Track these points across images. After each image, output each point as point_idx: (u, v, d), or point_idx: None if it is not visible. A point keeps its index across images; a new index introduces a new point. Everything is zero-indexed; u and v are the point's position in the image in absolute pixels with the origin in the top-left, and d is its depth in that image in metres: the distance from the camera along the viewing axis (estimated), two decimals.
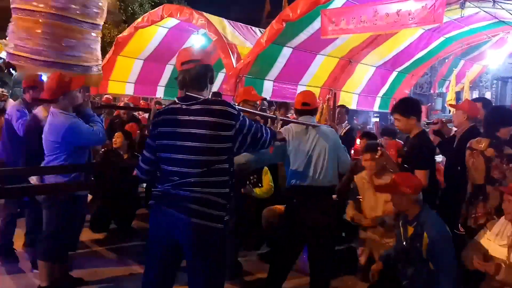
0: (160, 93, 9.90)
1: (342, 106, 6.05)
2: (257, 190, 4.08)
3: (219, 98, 2.48)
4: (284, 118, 3.36)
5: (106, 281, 3.53)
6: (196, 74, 2.20)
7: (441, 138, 4.10)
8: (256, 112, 3.20)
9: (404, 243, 2.83)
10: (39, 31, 3.65)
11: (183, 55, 2.25)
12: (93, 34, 3.96)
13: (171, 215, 2.14)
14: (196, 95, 2.18)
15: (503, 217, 2.66)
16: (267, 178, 4.14)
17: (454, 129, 4.15)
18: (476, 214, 3.14)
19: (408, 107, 3.31)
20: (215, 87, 9.46)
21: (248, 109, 3.11)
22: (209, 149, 2.11)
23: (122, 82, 9.31)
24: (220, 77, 8.96)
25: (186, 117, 2.14)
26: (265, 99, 4.24)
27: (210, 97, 2.29)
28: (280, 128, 2.83)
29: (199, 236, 2.11)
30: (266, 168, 4.19)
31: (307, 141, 2.99)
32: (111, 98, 8.65)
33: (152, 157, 2.27)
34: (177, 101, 2.24)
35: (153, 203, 2.25)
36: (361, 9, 5.10)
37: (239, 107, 2.50)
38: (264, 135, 2.34)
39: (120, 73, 9.03)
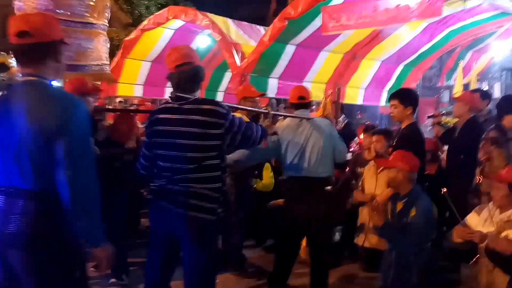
0: (168, 94, 10.02)
1: (335, 102, 6.10)
2: (257, 181, 4.21)
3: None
4: (277, 113, 3.48)
5: None
6: (191, 76, 2.32)
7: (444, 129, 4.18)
8: (248, 108, 3.34)
9: (391, 218, 2.95)
10: None
11: (175, 56, 2.36)
12: (83, 33, 4.07)
13: (167, 209, 2.27)
14: (188, 95, 2.28)
15: (491, 202, 2.72)
16: (267, 173, 4.26)
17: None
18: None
19: (408, 96, 3.41)
20: (222, 87, 9.60)
21: (241, 107, 3.24)
22: (199, 146, 2.23)
23: (131, 84, 9.46)
24: (227, 76, 9.05)
25: (178, 116, 2.27)
26: (263, 94, 4.37)
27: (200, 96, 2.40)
28: (271, 123, 2.94)
29: (193, 227, 2.23)
30: (267, 164, 4.30)
31: (301, 134, 3.09)
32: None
33: (149, 154, 2.40)
34: (169, 101, 2.36)
35: (151, 198, 2.38)
36: (361, 5, 5.13)
37: (231, 105, 2.61)
38: (255, 132, 2.45)
39: (129, 75, 9.18)
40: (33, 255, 1.69)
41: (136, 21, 15.09)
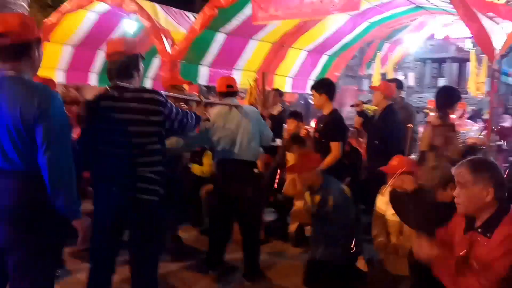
0: (93, 80, 9.61)
1: (276, 90, 6.35)
2: (195, 166, 4.30)
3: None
4: (208, 101, 3.61)
5: None
6: (121, 65, 2.35)
7: (363, 118, 4.53)
8: (182, 96, 3.42)
9: (313, 209, 3.24)
10: None
11: (109, 46, 2.38)
12: None
13: (111, 192, 2.31)
14: (127, 85, 2.32)
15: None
16: (207, 160, 4.38)
17: None
18: None
19: (320, 85, 3.74)
20: (151, 73, 9.39)
21: (174, 94, 3.31)
22: (141, 132, 2.31)
23: (51, 69, 8.92)
24: (155, 63, 8.88)
25: (120, 104, 2.30)
26: (191, 83, 4.48)
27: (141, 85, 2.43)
28: (204, 110, 3.05)
29: (137, 208, 2.32)
30: (209, 152, 4.42)
31: (231, 120, 3.25)
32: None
33: (87, 141, 2.41)
34: (109, 89, 2.37)
35: (95, 183, 2.40)
36: None
37: (166, 93, 2.68)
38: (189, 119, 2.56)
39: (49, 60, 8.60)
40: (18, 228, 1.93)
41: (55, 3, 14.09)
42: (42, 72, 8.35)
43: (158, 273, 2.51)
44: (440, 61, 9.94)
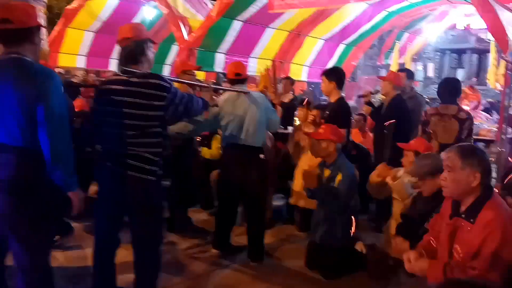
0: (113, 66, 9.81)
1: (287, 78, 6.41)
2: (204, 149, 4.42)
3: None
4: (217, 87, 3.70)
5: None
6: (130, 51, 2.46)
7: (372, 108, 4.57)
8: (190, 82, 3.51)
9: (320, 183, 3.32)
10: None
11: (119, 32, 2.49)
12: None
13: (112, 170, 2.45)
14: (134, 69, 2.44)
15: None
16: (215, 143, 4.49)
17: None
18: None
19: (331, 72, 3.80)
20: (169, 60, 9.54)
21: (182, 80, 3.41)
22: (143, 116, 2.43)
23: (73, 55, 9.17)
24: (174, 49, 9.01)
25: (126, 88, 2.43)
26: (201, 68, 4.59)
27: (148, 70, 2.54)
28: (213, 96, 3.15)
29: (135, 186, 2.44)
30: (217, 136, 4.53)
31: (239, 106, 3.34)
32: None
33: (96, 120, 2.56)
34: (119, 73, 2.50)
35: (98, 161, 2.55)
36: None
37: (174, 78, 2.77)
38: (195, 104, 2.65)
39: (70, 45, 8.88)
40: (17, 198, 2.10)
41: None
42: (64, 57, 8.65)
43: (160, 251, 2.65)
44: (460, 51, 9.76)
